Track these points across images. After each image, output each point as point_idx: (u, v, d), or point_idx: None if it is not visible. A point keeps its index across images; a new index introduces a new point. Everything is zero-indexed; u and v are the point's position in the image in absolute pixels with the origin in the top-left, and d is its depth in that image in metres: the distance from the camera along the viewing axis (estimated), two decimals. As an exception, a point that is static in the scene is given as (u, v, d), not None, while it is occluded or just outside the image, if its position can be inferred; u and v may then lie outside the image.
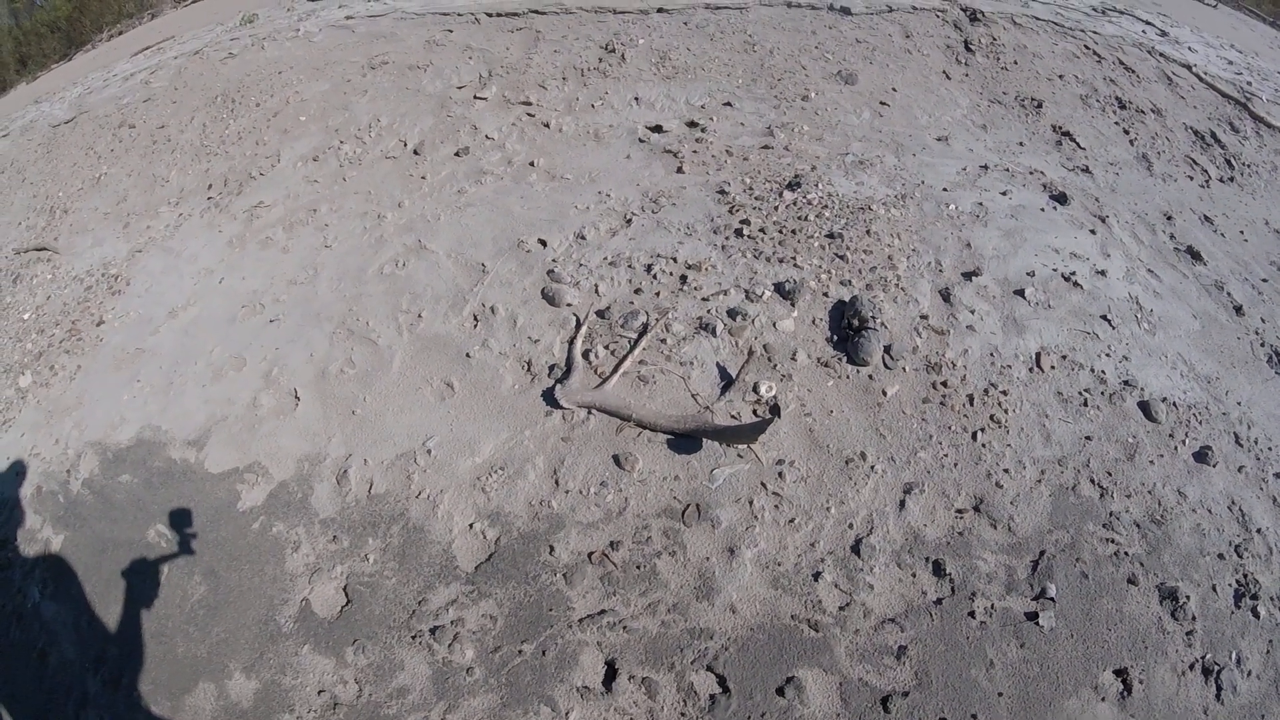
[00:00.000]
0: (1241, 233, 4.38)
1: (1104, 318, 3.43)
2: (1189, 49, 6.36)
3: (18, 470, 3.41)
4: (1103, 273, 3.66)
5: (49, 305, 4.29)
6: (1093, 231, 3.93)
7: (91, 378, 3.72)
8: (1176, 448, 3.02)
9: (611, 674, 2.50)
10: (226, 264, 4.17)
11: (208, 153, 5.19)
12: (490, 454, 3.05)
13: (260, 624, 2.76)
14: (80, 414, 3.55)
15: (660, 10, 6.17)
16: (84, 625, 2.86)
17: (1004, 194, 4.13)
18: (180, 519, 3.07)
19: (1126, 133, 5.23)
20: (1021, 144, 4.97)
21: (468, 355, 3.40)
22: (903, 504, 2.80)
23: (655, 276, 3.58)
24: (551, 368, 3.29)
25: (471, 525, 2.87)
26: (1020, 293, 3.47)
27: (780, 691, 2.43)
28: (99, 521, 3.13)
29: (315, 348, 3.55)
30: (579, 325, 3.42)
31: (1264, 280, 4.02)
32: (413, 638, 2.64)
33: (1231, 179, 4.94)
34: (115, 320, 4.02)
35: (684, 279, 3.55)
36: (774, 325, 3.32)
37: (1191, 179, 4.89)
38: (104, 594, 2.93)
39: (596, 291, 3.57)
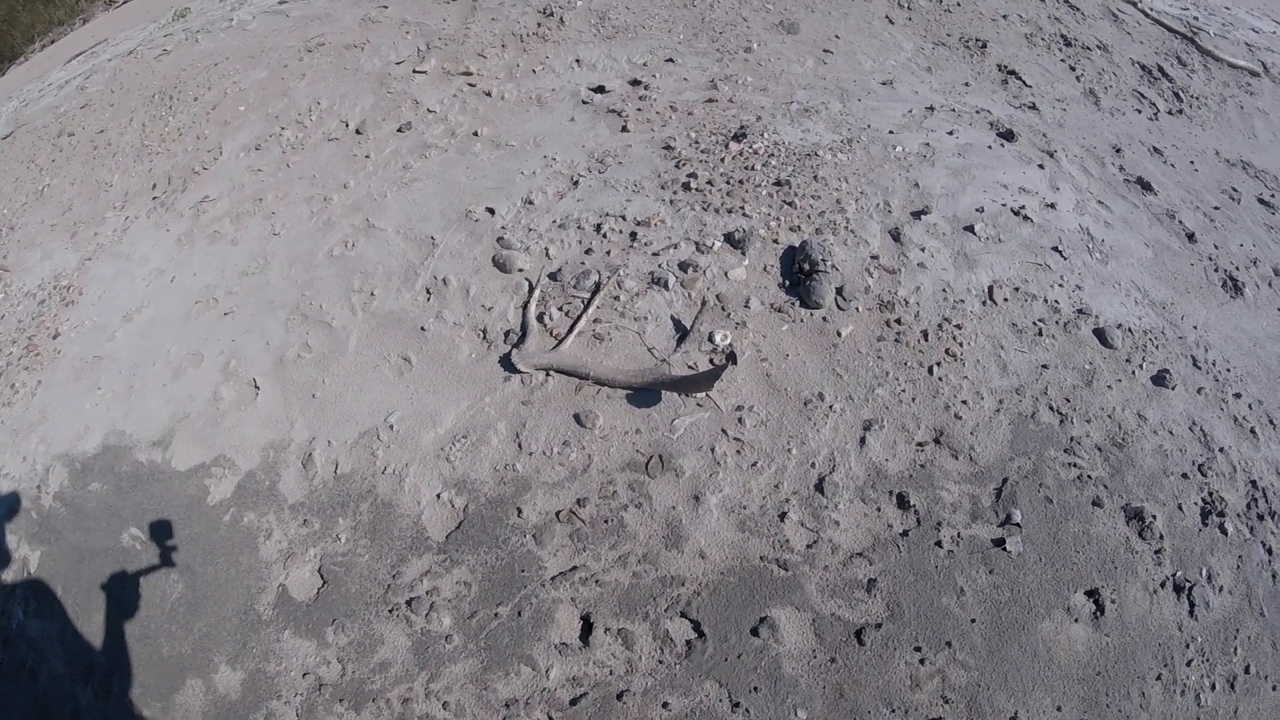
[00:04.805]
0: (1192, 163, 4.43)
1: (1055, 249, 3.47)
2: (1134, -16, 6.38)
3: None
4: (1052, 206, 3.70)
5: (3, 324, 4.19)
6: (1041, 166, 3.96)
7: (52, 391, 3.65)
8: (1134, 372, 3.08)
9: (588, 628, 2.54)
10: (177, 262, 4.10)
11: (149, 152, 5.07)
12: (452, 424, 3.06)
13: (240, 614, 2.77)
14: (45, 428, 3.49)
15: (597, -30, 6.06)
16: (69, 638, 2.84)
17: (951, 134, 4.15)
18: (153, 521, 3.05)
19: (1073, 69, 5.26)
20: (967, 84, 4.99)
21: (423, 329, 3.39)
22: (863, 440, 2.83)
23: (605, 235, 3.58)
24: (507, 333, 3.29)
25: (439, 495, 2.88)
26: (970, 229, 3.50)
27: (755, 632, 2.47)
28: (73, 533, 3.10)
29: (271, 336, 3.52)
30: (531, 289, 3.42)
31: (1215, 208, 4.07)
32: (390, 611, 2.66)
33: (1180, 111, 5.00)
34: (71, 331, 3.94)
35: (634, 236, 3.55)
36: (726, 275, 3.33)
37: (1140, 112, 4.93)
38: (86, 604, 2.91)
39: (547, 255, 3.56)
